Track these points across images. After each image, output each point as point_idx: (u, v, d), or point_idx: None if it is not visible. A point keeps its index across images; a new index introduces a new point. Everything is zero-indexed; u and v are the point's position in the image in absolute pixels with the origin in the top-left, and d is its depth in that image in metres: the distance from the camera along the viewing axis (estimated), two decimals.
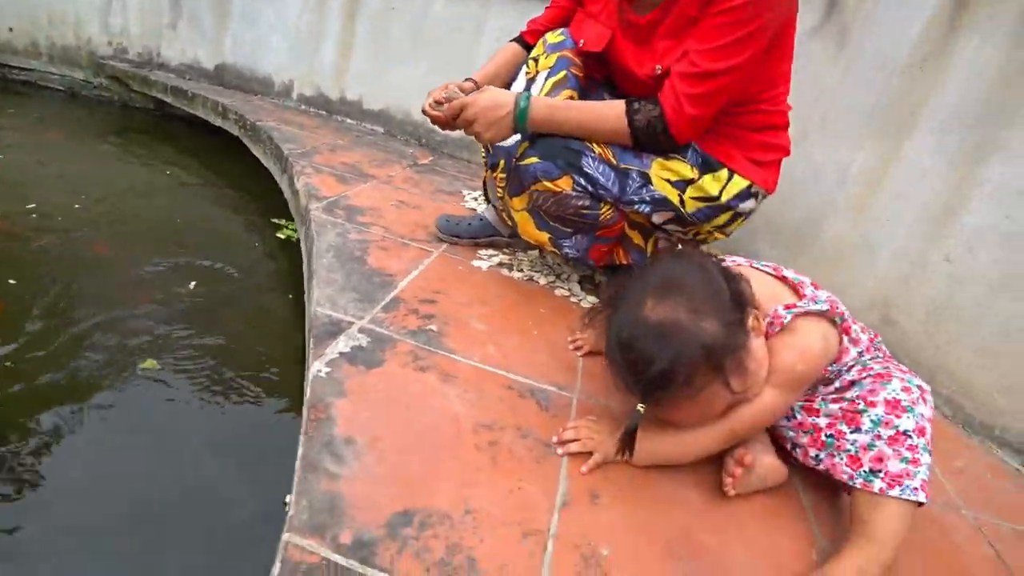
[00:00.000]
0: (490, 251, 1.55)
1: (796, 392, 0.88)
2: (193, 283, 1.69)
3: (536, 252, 1.60)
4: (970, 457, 1.24)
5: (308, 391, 0.89)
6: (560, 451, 0.89)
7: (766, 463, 0.90)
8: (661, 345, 0.77)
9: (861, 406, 0.85)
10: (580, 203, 1.20)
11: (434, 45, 2.81)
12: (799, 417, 0.93)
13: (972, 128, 1.39)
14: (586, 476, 0.85)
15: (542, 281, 1.44)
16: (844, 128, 1.69)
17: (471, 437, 0.87)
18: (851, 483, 0.82)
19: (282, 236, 2.11)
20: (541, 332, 1.21)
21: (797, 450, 0.94)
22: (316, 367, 0.94)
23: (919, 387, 0.86)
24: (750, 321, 0.83)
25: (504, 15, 2.60)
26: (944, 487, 1.10)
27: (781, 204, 1.74)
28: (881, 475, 0.80)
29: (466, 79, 1.39)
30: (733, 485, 0.87)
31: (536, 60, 1.36)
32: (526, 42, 1.48)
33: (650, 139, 1.17)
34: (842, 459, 0.85)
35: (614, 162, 1.18)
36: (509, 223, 1.37)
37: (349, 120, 3.09)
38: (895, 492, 0.78)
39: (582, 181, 1.18)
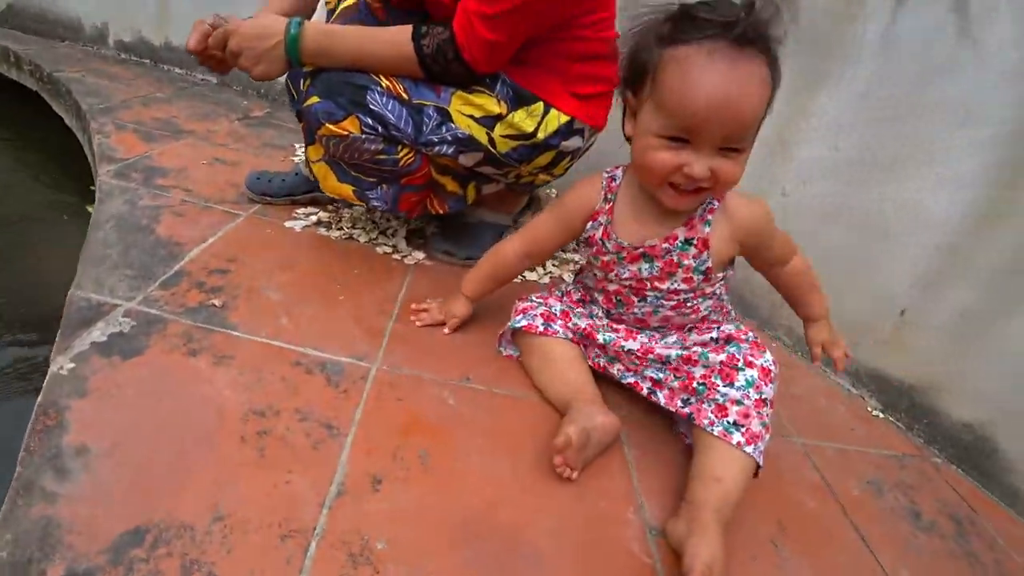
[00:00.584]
0: (309, 209, 1.43)
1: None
2: None
3: (359, 207, 1.49)
4: (806, 384, 1.29)
5: (41, 395, 0.77)
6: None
7: (598, 423, 0.86)
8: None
9: (740, 364, 0.86)
10: (373, 147, 1.08)
11: None
12: (674, 363, 0.93)
13: (808, 57, 1.40)
14: (373, 457, 0.79)
15: (363, 239, 1.35)
16: None
17: (237, 428, 0.78)
18: (710, 429, 0.83)
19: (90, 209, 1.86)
20: (349, 296, 1.13)
21: (660, 393, 0.94)
22: (58, 363, 0.82)
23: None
24: None
25: None
26: (779, 414, 1.13)
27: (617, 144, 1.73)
28: (743, 430, 0.82)
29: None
30: (568, 468, 0.82)
31: None
32: None
33: (442, 67, 1.06)
34: (709, 406, 0.86)
35: (406, 97, 1.07)
36: (312, 177, 1.25)
37: (177, 70, 2.76)
38: (750, 449, 0.81)
39: (369, 121, 1.06)
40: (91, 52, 2.83)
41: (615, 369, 1.01)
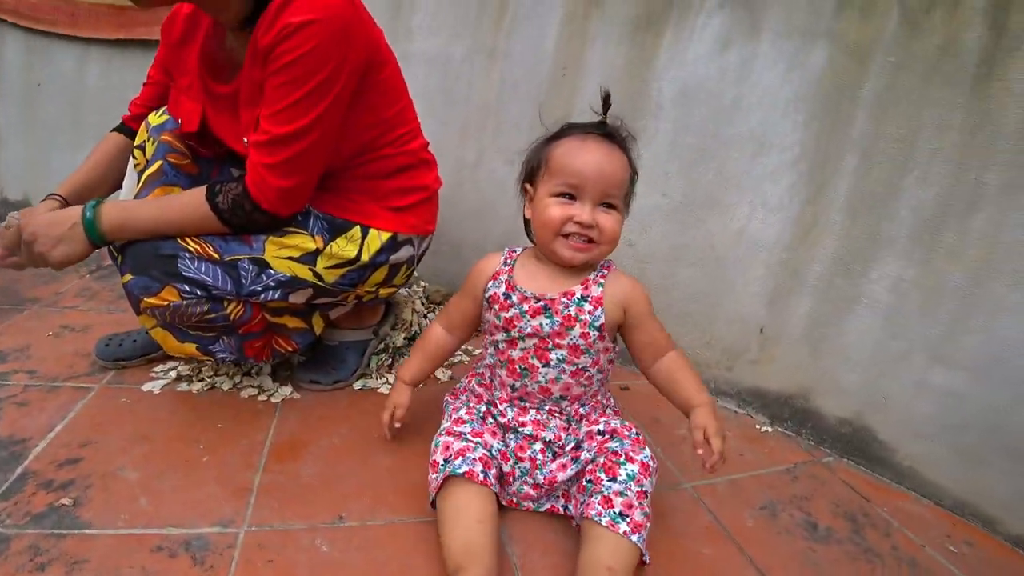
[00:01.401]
0: (169, 364, 1.41)
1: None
2: None
3: None
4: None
5: None
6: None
7: None
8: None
9: (622, 459, 0.97)
10: (199, 309, 1.09)
11: (99, 117, 2.47)
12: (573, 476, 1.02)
13: (626, 118, 1.57)
14: None
15: (226, 386, 1.35)
16: (511, 141, 1.79)
17: None
18: (599, 519, 0.90)
19: None
20: (212, 456, 1.13)
21: (570, 505, 1.04)
22: None
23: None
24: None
25: None
26: (665, 464, 1.22)
27: (474, 222, 1.85)
28: (627, 520, 0.90)
29: (48, 196, 1.22)
30: None
31: (142, 148, 1.25)
32: (129, 128, 1.34)
33: (244, 220, 1.08)
34: (596, 498, 0.93)
35: (217, 256, 1.09)
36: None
37: None
38: (635, 538, 0.89)
39: (187, 288, 1.07)
40: None
41: (528, 502, 1.06)
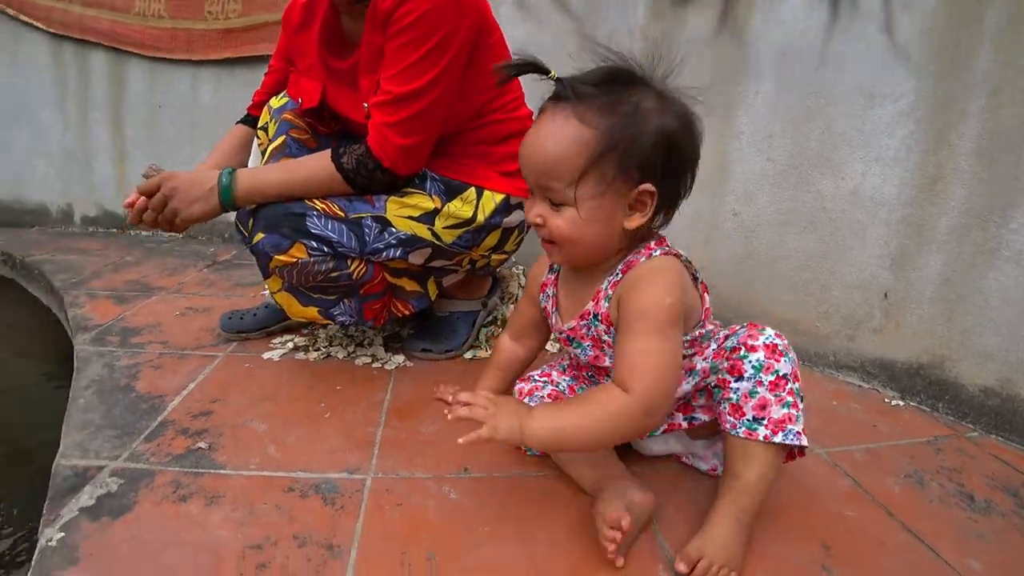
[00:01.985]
0: (285, 337, 1.45)
1: (673, 330, 0.78)
2: None
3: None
4: (815, 391, 1.30)
5: (31, 571, 0.75)
6: (449, 415, 0.77)
7: (637, 500, 0.82)
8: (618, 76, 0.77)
9: (742, 352, 0.82)
10: (324, 267, 1.12)
11: (210, 132, 2.67)
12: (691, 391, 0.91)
13: (719, 84, 1.52)
14: (381, 568, 0.77)
15: (341, 355, 1.37)
16: None
17: (234, 566, 0.77)
18: (734, 432, 0.81)
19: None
20: (336, 413, 1.14)
21: (697, 414, 0.92)
22: (46, 536, 0.81)
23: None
24: (651, 189, 0.77)
25: None
26: None
27: None
28: (764, 423, 0.80)
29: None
30: (617, 551, 0.77)
31: (265, 129, 1.31)
32: (253, 116, 1.42)
33: (367, 179, 1.13)
34: (725, 407, 0.83)
35: (342, 214, 1.12)
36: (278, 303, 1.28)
37: (144, 233, 2.85)
38: (779, 438, 0.79)
39: (314, 244, 1.11)
40: (59, 233, 2.92)
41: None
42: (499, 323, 1.51)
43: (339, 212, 1.12)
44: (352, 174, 1.11)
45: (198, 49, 2.66)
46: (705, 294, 0.90)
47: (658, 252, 0.83)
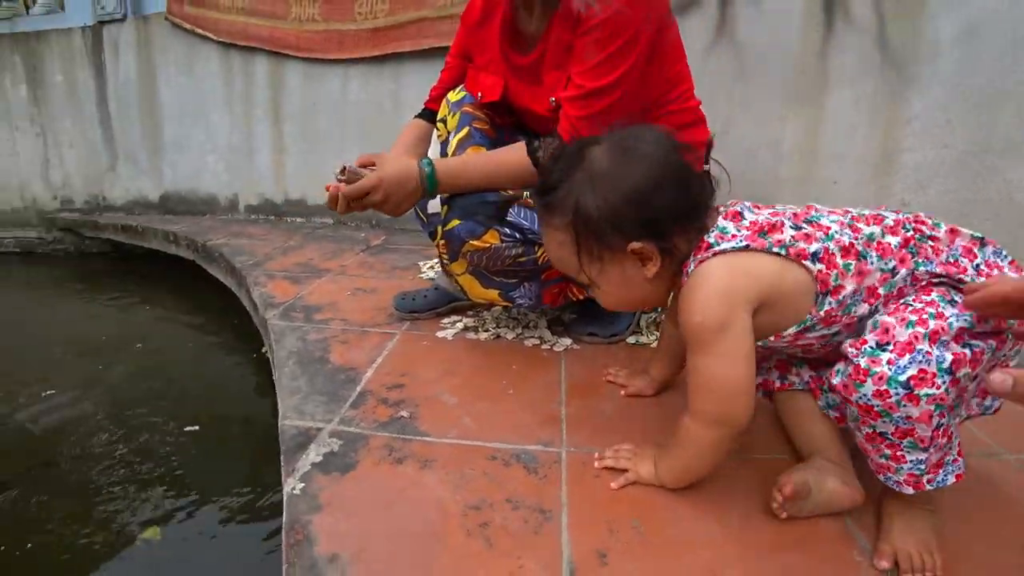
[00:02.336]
0: (453, 317, 1.53)
1: (718, 345, 0.76)
2: (190, 427, 1.67)
3: (500, 307, 1.58)
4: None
5: (284, 514, 0.85)
6: (597, 464, 0.93)
7: (828, 488, 0.82)
8: (563, 164, 0.84)
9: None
10: (514, 252, 1.18)
11: (358, 127, 2.85)
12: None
13: (882, 69, 1.43)
14: (591, 533, 0.81)
15: (510, 336, 1.42)
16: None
17: (459, 523, 0.83)
18: (856, 361, 0.70)
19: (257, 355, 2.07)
20: (517, 390, 1.18)
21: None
22: (289, 485, 0.90)
23: None
24: (639, 246, 0.79)
25: (419, 84, 2.65)
26: (977, 437, 1.05)
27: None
28: (891, 348, 0.69)
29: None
30: (782, 506, 0.81)
31: (444, 121, 1.37)
32: (430, 111, 1.48)
33: None
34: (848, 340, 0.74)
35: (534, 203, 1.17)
36: (460, 289, 1.35)
37: (298, 219, 3.10)
38: (906, 361, 0.66)
39: (507, 230, 1.16)
40: (227, 219, 3.23)
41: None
42: (659, 310, 1.51)
43: (531, 201, 1.16)
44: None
45: (348, 48, 2.83)
46: (826, 266, 0.77)
47: (692, 265, 0.80)
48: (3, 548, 1.24)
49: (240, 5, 3.09)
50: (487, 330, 1.44)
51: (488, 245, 1.17)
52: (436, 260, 2.07)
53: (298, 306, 1.67)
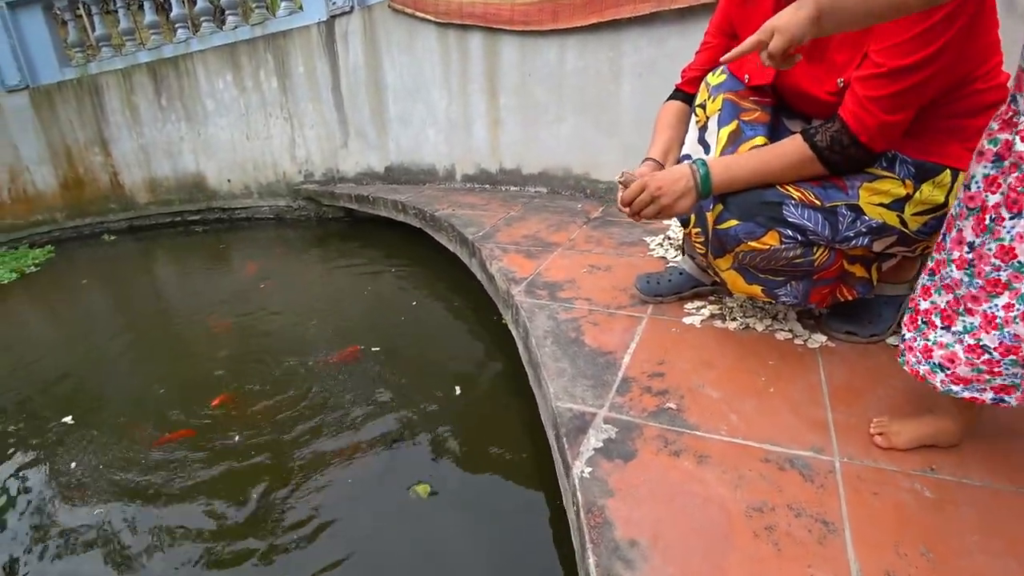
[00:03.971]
0: (697, 303, 1.55)
1: None
2: (457, 388, 1.89)
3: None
4: None
5: (578, 495, 0.96)
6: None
7: (928, 429, 0.97)
8: None
9: None
10: (791, 254, 1.15)
11: (576, 97, 2.89)
12: None
13: None
14: (878, 553, 0.82)
15: (759, 327, 1.41)
16: None
17: (744, 524, 0.88)
18: None
19: (499, 321, 2.16)
20: (777, 388, 1.19)
21: None
22: (577, 468, 1.01)
23: None
24: None
25: (638, 51, 2.61)
26: None
27: None
28: None
29: (644, 160, 1.38)
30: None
31: (703, 106, 1.34)
32: (684, 92, 1.46)
33: (841, 156, 1.09)
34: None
35: (818, 203, 1.12)
36: (716, 279, 1.35)
37: (512, 188, 3.27)
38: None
39: (789, 232, 1.13)
40: (445, 188, 3.51)
41: None
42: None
43: (815, 200, 1.12)
44: (826, 151, 1.10)
45: (564, 18, 2.85)
46: None
47: None
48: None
49: None
50: (734, 319, 1.45)
51: (767, 247, 1.15)
52: (662, 236, 2.09)
53: (539, 282, 1.80)
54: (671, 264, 1.82)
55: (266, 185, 4.64)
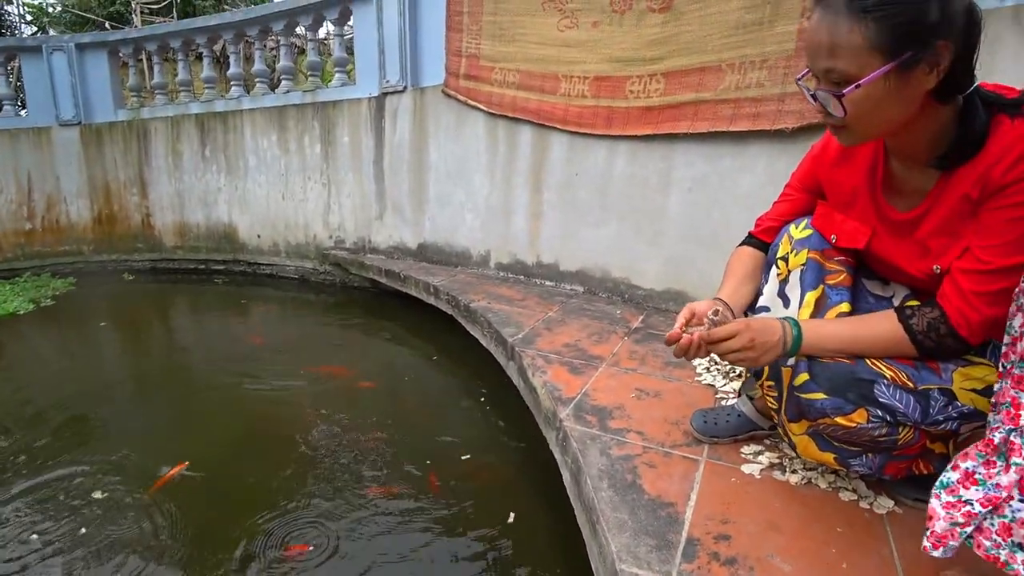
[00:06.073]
0: (753, 447, 1.51)
1: None
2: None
3: None
4: None
5: None
6: None
7: None
8: None
9: None
10: (876, 432, 1.12)
11: (622, 202, 2.94)
12: None
13: None
14: None
15: (822, 484, 1.37)
16: None
17: None
18: None
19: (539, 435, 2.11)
20: (850, 563, 1.13)
21: None
22: None
23: None
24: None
25: (690, 165, 2.67)
26: None
27: None
28: None
29: (715, 298, 1.38)
30: None
31: (785, 259, 1.33)
32: (759, 240, 1.46)
33: (935, 343, 1.09)
34: None
35: (911, 385, 1.10)
36: (774, 423, 1.32)
37: (548, 283, 3.29)
38: None
39: (879, 412, 1.11)
40: (478, 274, 3.53)
41: None
42: None
43: (908, 382, 1.11)
44: (920, 336, 1.10)
45: (618, 125, 2.94)
46: None
47: None
48: None
49: (512, 80, 3.37)
50: (795, 471, 1.41)
51: (854, 424, 1.12)
52: (708, 361, 2.07)
53: (587, 405, 1.77)
54: (727, 401, 1.79)
55: (295, 245, 4.69)
